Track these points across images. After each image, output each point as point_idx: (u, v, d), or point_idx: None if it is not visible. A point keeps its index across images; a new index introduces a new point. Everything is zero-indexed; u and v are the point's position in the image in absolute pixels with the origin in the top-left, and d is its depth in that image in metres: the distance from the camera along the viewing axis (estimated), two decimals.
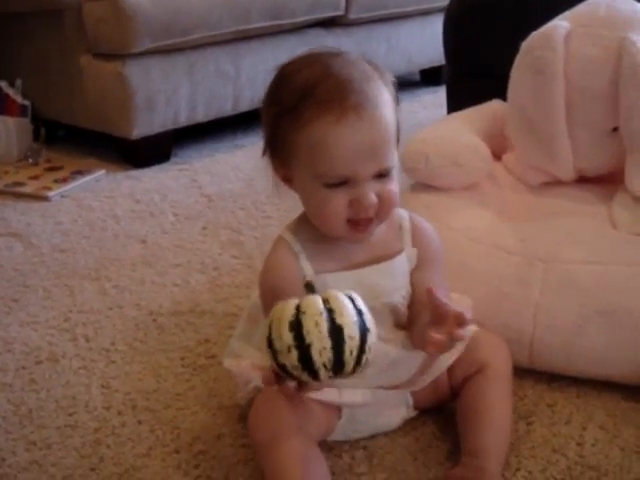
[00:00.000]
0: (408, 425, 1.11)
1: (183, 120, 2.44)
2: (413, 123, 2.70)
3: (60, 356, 1.34)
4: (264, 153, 1.01)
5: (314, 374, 0.79)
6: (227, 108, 2.54)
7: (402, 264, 1.03)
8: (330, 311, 0.79)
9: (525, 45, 1.36)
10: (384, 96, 0.95)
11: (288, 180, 1.00)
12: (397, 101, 1.00)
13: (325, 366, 0.78)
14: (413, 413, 1.12)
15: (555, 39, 1.30)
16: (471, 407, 1.05)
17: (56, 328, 1.44)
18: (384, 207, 0.95)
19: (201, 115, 2.48)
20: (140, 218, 1.98)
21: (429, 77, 3.41)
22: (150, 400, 1.21)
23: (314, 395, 0.95)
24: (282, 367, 0.81)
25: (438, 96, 2.93)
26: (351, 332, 0.79)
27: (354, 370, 0.80)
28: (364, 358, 0.80)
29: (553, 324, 1.17)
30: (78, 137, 2.62)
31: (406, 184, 1.48)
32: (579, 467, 1.03)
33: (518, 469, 1.03)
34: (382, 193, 0.94)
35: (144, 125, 2.33)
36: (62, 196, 2.17)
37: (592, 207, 1.34)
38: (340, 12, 2.79)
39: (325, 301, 0.80)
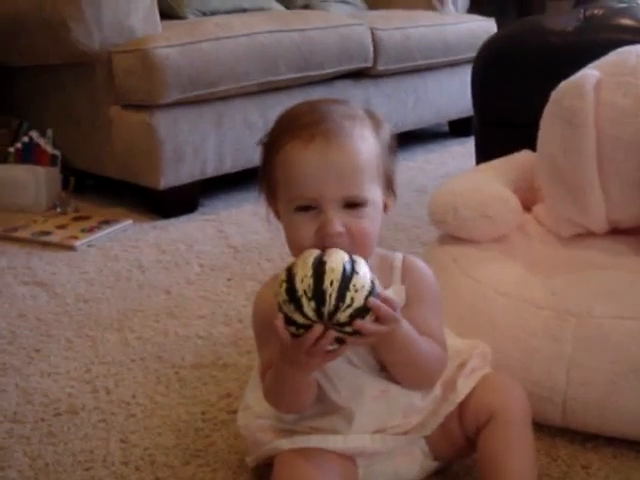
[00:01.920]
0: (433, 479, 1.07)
1: (210, 171, 2.44)
2: (442, 174, 2.71)
3: (80, 408, 1.32)
4: (260, 190, 1.03)
5: (298, 305, 0.84)
6: (254, 159, 2.48)
7: None
8: (321, 254, 0.87)
9: (555, 94, 1.34)
10: (364, 135, 0.96)
11: (277, 214, 1.01)
12: (391, 150, 1.01)
13: (306, 293, 0.83)
14: (433, 464, 1.07)
15: (585, 88, 1.28)
16: (485, 460, 1.00)
17: (77, 380, 1.42)
18: (355, 242, 0.92)
19: (228, 166, 2.49)
20: (165, 268, 1.97)
21: (458, 128, 3.41)
22: (169, 456, 1.17)
23: (319, 444, 0.97)
24: (282, 312, 0.86)
25: (467, 147, 2.93)
26: (333, 264, 0.84)
27: (337, 306, 0.83)
28: (348, 296, 0.83)
29: (587, 381, 1.13)
30: (106, 187, 2.64)
31: (433, 234, 1.46)
32: None
33: None
34: (352, 227, 0.93)
35: (172, 175, 2.33)
36: (89, 246, 2.17)
37: (626, 259, 1.30)
38: (368, 64, 2.81)
39: (325, 251, 0.88)
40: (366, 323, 0.87)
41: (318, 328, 0.85)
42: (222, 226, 2.29)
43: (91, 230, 2.27)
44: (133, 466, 1.16)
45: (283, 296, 0.85)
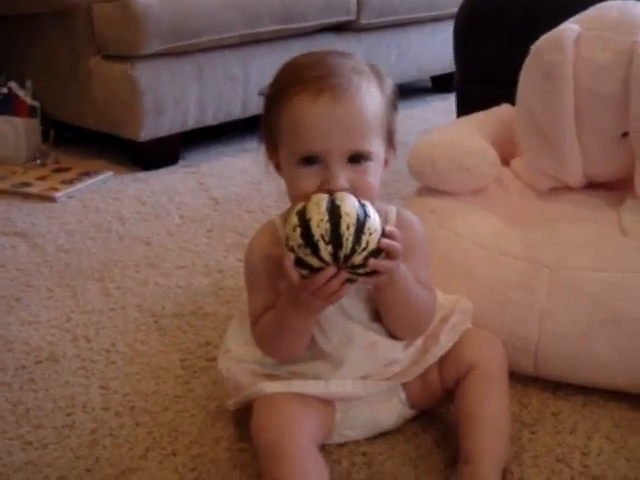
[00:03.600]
0: (409, 431, 1.10)
1: (191, 123, 2.44)
2: (423, 129, 2.70)
3: (60, 356, 1.33)
4: (260, 141, 1.03)
5: (315, 249, 0.85)
6: (236, 111, 2.53)
7: None
8: (333, 199, 0.88)
9: (534, 48, 1.34)
10: (370, 90, 0.97)
11: (277, 166, 1.01)
12: (394, 106, 1.02)
13: (323, 238, 0.85)
14: (409, 411, 1.10)
15: (565, 42, 1.28)
16: (463, 410, 1.03)
17: (57, 328, 1.43)
18: (359, 197, 0.92)
19: (210, 118, 2.48)
20: (146, 220, 1.97)
21: (440, 84, 3.40)
22: (149, 402, 1.19)
23: (300, 389, 1.00)
24: (294, 253, 0.87)
25: (448, 103, 2.90)
26: (348, 209, 0.86)
27: (354, 249, 0.86)
28: (364, 239, 0.86)
29: (559, 331, 1.15)
30: (86, 139, 2.63)
31: (412, 188, 1.47)
32: (583, 477, 1.01)
33: (521, 478, 1.01)
34: (357, 182, 0.94)
35: (152, 127, 2.33)
36: (69, 197, 2.17)
37: (601, 213, 1.32)
38: (351, 17, 2.79)
39: (334, 195, 0.89)
40: (380, 261, 0.89)
41: (331, 269, 0.87)
42: (203, 178, 2.29)
43: (71, 182, 2.26)
44: (113, 411, 1.17)
45: (298, 240, 0.87)
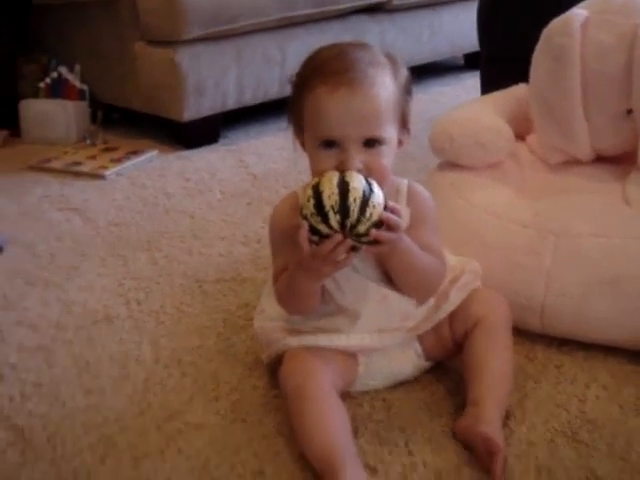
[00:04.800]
0: (424, 381, 1.23)
1: (231, 103, 2.57)
2: (453, 106, 2.79)
3: (114, 317, 1.49)
4: (288, 121, 1.15)
5: (325, 218, 0.99)
6: (273, 92, 2.66)
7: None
8: (343, 175, 1.00)
9: (545, 32, 1.45)
10: (385, 81, 1.08)
11: (303, 145, 1.14)
12: (407, 92, 1.13)
13: (333, 208, 0.98)
14: (424, 363, 1.23)
15: (572, 26, 1.39)
16: (470, 360, 1.16)
17: (111, 292, 1.58)
18: (373, 177, 1.04)
19: (248, 99, 2.61)
20: (189, 195, 2.12)
21: (473, 61, 3.46)
22: (194, 356, 1.34)
23: (324, 342, 1.13)
24: (307, 221, 1.00)
25: None
26: (355, 185, 0.99)
27: (359, 219, 0.98)
28: (368, 211, 0.99)
29: (562, 292, 1.27)
30: (132, 120, 2.77)
31: (434, 163, 1.59)
32: (579, 420, 1.13)
33: (522, 421, 1.13)
34: (371, 164, 1.06)
35: (194, 108, 2.47)
36: (117, 175, 2.32)
37: (606, 185, 1.42)
38: None
39: (344, 173, 1.01)
40: (382, 232, 1.01)
41: (338, 236, 1.00)
42: (242, 156, 2.43)
43: (119, 160, 2.41)
44: (162, 364, 1.32)
45: (311, 210, 1.00)
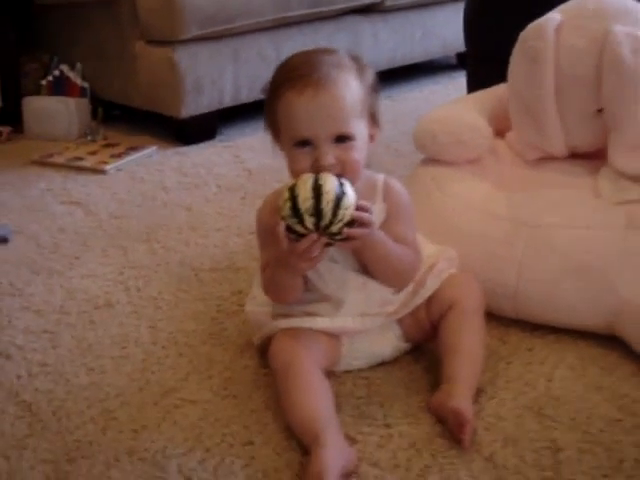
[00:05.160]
0: (403, 361, 1.32)
1: (228, 101, 2.66)
2: (439, 104, 2.88)
3: (115, 302, 1.58)
4: (265, 127, 1.25)
5: (301, 220, 1.08)
6: None
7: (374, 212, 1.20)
8: (317, 178, 1.09)
9: (522, 35, 1.53)
10: (348, 81, 1.17)
11: (281, 147, 1.23)
12: (375, 91, 1.23)
13: (308, 211, 1.07)
14: (404, 345, 1.32)
15: (547, 30, 1.47)
16: (445, 341, 1.25)
17: (112, 280, 1.68)
18: (346, 170, 1.14)
19: (244, 96, 2.70)
20: (186, 189, 2.21)
21: (465, 60, 3.54)
22: (189, 338, 1.43)
23: (310, 324, 1.22)
24: (285, 221, 1.09)
25: None
26: (328, 189, 1.07)
27: (332, 221, 1.08)
28: (340, 213, 1.07)
29: (534, 279, 1.36)
30: (132, 116, 2.86)
31: (417, 159, 1.67)
32: (545, 397, 1.22)
33: (493, 397, 1.22)
34: (343, 158, 1.15)
35: (192, 105, 2.56)
36: (117, 170, 2.41)
37: (579, 179, 1.51)
38: None
39: (318, 175, 1.10)
40: (353, 230, 1.10)
41: (313, 236, 1.09)
42: (238, 152, 2.52)
43: (119, 156, 2.50)
44: (160, 345, 1.41)
45: (287, 212, 1.08)
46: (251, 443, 1.15)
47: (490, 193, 1.50)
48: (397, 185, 1.29)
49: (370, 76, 1.23)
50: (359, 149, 1.18)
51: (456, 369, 1.20)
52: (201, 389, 1.28)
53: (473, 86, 2.11)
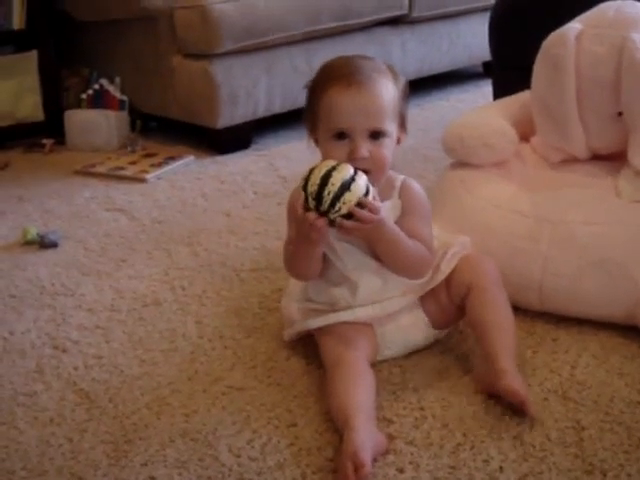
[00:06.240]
0: (435, 350, 1.41)
1: (262, 111, 2.77)
2: (467, 111, 2.96)
3: (162, 301, 1.68)
4: (304, 121, 1.36)
5: (306, 198, 1.20)
6: (301, 100, 2.74)
7: (385, 209, 1.28)
8: (332, 168, 1.19)
9: (544, 44, 1.62)
10: (387, 85, 1.29)
11: (316, 141, 1.34)
12: (405, 97, 1.34)
13: (311, 195, 1.19)
14: (433, 332, 1.40)
15: (568, 38, 1.55)
16: (473, 320, 1.34)
17: (158, 281, 1.78)
18: (376, 165, 1.26)
19: (278, 107, 2.80)
20: (225, 196, 2.31)
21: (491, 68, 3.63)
22: (234, 331, 1.53)
23: (335, 319, 1.33)
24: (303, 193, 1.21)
25: None
26: (335, 180, 1.18)
27: (329, 209, 1.18)
28: (337, 205, 1.18)
29: (557, 273, 1.44)
30: (169, 128, 2.97)
31: (445, 164, 1.76)
32: (569, 382, 1.30)
33: None
34: (375, 153, 1.26)
35: (228, 116, 2.66)
36: (157, 178, 2.51)
37: (600, 180, 1.58)
38: (404, 11, 3.05)
39: (337, 164, 1.20)
40: (345, 222, 1.21)
41: (313, 214, 1.20)
42: (273, 160, 2.62)
43: (159, 165, 2.60)
44: (206, 339, 1.51)
45: (301, 187, 1.21)
46: (295, 425, 1.24)
47: (516, 193, 1.58)
48: (414, 185, 1.38)
49: (402, 83, 1.34)
50: (389, 147, 1.29)
51: (493, 345, 1.28)
52: (246, 378, 1.37)
53: (499, 93, 2.19)
